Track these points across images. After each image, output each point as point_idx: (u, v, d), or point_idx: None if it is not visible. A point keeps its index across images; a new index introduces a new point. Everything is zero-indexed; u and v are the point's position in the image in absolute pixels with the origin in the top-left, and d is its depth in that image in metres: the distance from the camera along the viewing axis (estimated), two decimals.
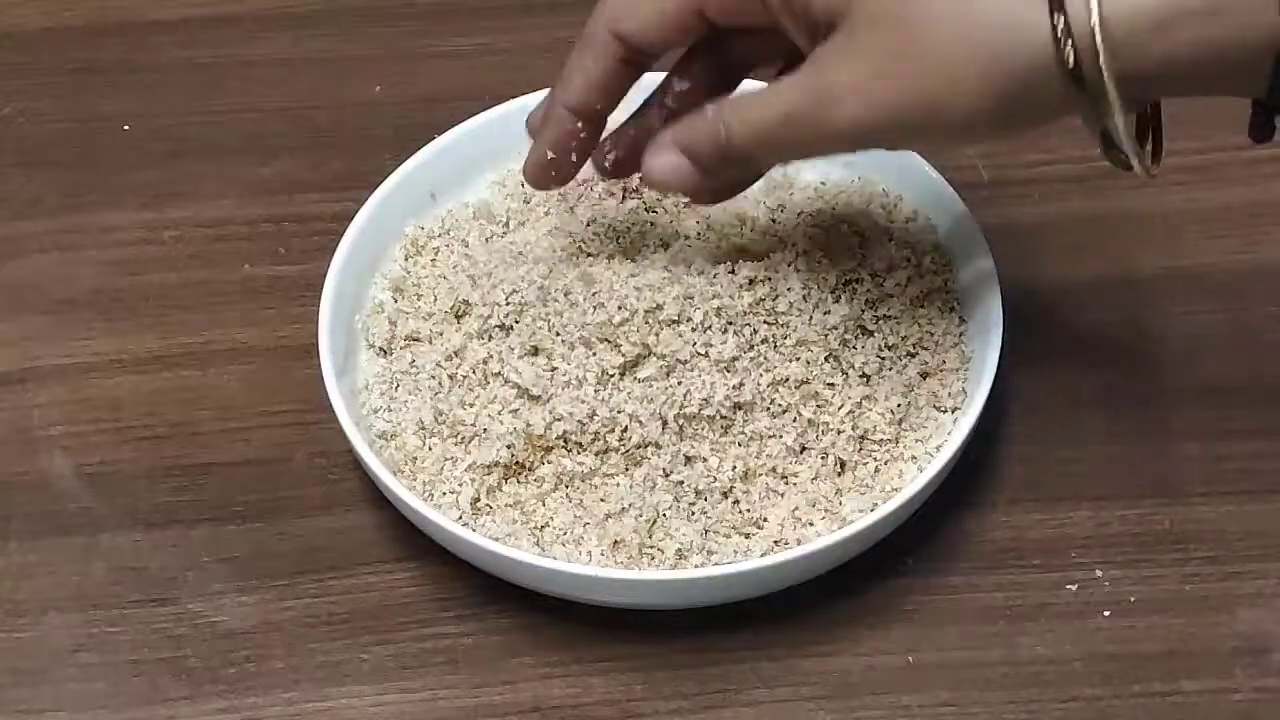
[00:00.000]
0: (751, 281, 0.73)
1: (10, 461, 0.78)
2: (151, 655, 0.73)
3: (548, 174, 0.73)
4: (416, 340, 0.76)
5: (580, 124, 0.72)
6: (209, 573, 0.75)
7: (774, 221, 0.78)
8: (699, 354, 0.72)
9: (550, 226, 0.79)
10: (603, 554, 0.71)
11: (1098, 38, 0.60)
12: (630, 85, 0.72)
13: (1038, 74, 0.62)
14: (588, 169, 0.74)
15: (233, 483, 0.77)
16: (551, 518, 0.72)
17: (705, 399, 0.72)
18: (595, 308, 0.73)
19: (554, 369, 0.73)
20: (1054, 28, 0.60)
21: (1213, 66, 0.61)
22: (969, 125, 0.64)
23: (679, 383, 0.72)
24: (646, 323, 0.72)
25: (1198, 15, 0.60)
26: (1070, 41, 0.60)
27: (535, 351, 0.73)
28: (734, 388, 0.72)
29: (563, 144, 0.73)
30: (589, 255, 0.76)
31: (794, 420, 0.72)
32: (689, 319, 0.72)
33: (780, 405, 0.73)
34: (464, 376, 0.74)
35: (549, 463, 0.72)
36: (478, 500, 0.72)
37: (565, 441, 0.72)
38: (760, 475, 0.72)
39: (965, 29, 0.62)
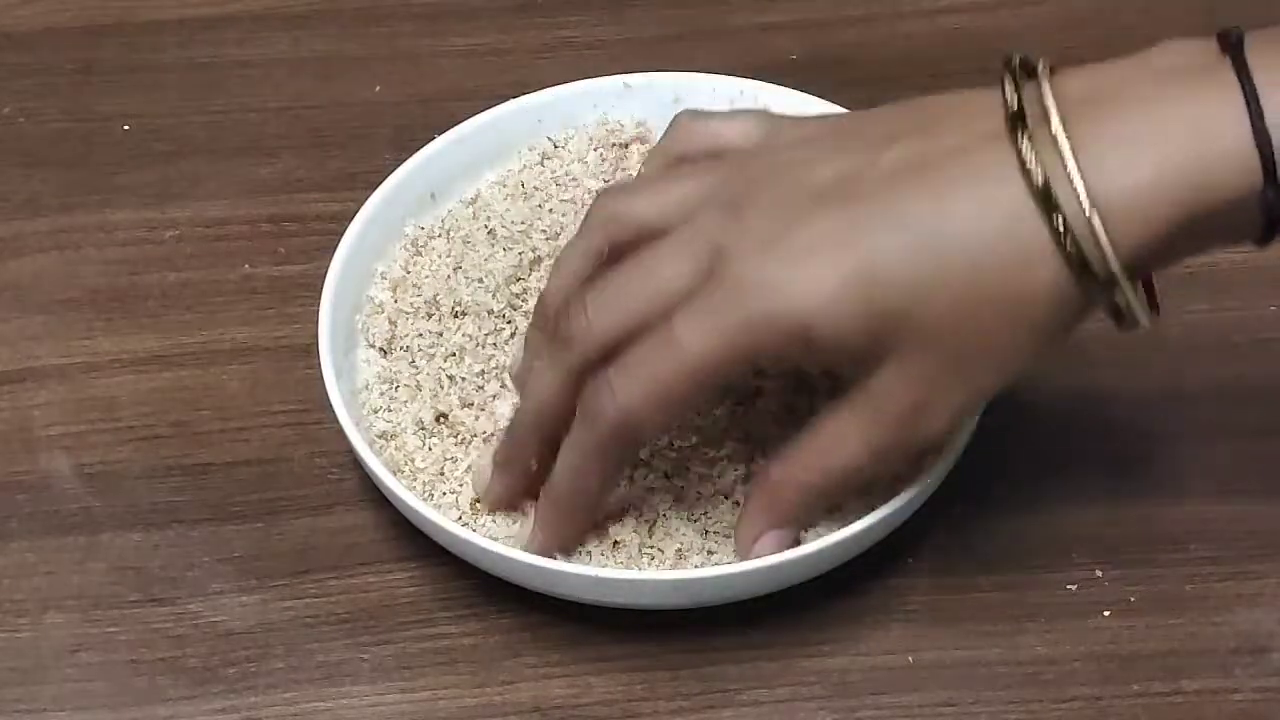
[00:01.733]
0: None
1: (10, 461, 0.78)
2: (151, 655, 0.73)
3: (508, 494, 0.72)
4: (417, 340, 0.76)
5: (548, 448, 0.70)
6: (209, 573, 0.75)
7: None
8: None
9: (551, 227, 0.79)
10: (603, 554, 0.71)
11: (1121, 280, 0.64)
12: None
13: (1074, 316, 0.65)
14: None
15: (233, 483, 0.77)
16: None
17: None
18: None
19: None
20: (1083, 288, 0.64)
21: (1209, 249, 0.67)
22: (1023, 371, 0.67)
23: None
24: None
25: (1191, 228, 0.63)
26: (1100, 287, 0.64)
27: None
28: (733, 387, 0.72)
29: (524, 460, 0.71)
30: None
31: (794, 420, 0.72)
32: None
33: (780, 405, 0.72)
34: (464, 377, 0.74)
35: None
36: (478, 501, 0.72)
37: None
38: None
39: (1015, 316, 0.64)
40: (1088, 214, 0.62)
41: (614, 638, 0.72)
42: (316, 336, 0.75)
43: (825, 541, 0.69)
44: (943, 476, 0.72)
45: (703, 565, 0.71)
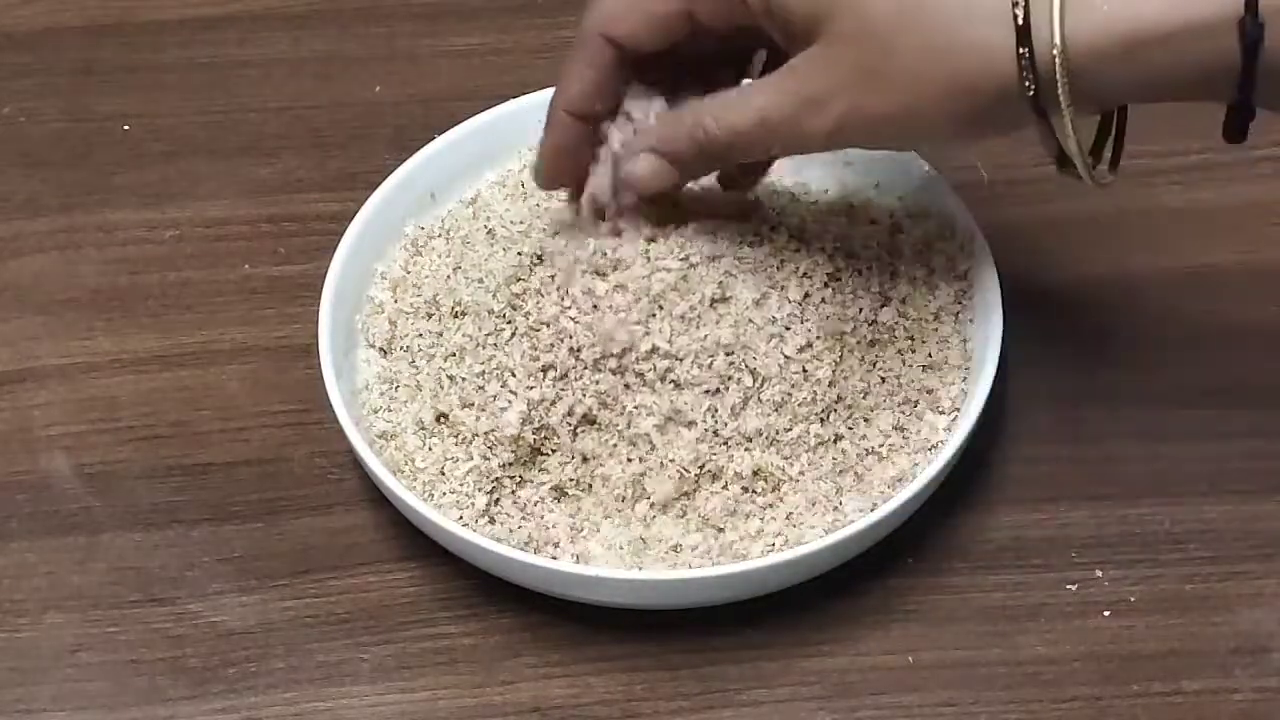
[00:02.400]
0: (749, 281, 0.73)
1: (10, 461, 0.78)
2: (151, 655, 0.73)
3: (554, 176, 0.75)
4: (417, 340, 0.76)
5: (581, 125, 0.73)
6: (209, 573, 0.75)
7: (774, 222, 0.78)
8: (699, 353, 0.72)
9: (551, 227, 0.79)
10: (603, 554, 0.71)
11: (1058, 70, 0.63)
12: (624, 84, 0.73)
13: (1001, 97, 0.64)
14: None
15: (233, 483, 0.77)
16: (554, 518, 0.72)
17: (705, 399, 0.72)
18: (597, 305, 0.73)
19: (555, 369, 0.73)
20: (1018, 57, 0.63)
21: (1175, 86, 0.64)
22: (934, 136, 0.68)
23: (679, 383, 0.72)
24: (649, 322, 0.72)
25: (1157, 42, 0.62)
26: (1033, 73, 0.63)
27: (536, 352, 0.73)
28: (734, 388, 0.72)
29: (565, 146, 0.74)
30: (592, 255, 0.76)
31: (793, 420, 0.72)
32: (690, 317, 0.72)
33: (780, 405, 0.73)
34: (464, 377, 0.74)
35: (549, 465, 0.72)
36: (488, 508, 0.72)
37: (567, 441, 0.72)
38: (761, 476, 0.72)
39: (937, 51, 0.65)
40: (1054, 53, 0.62)
41: (614, 638, 0.72)
42: (316, 336, 0.75)
43: (825, 541, 0.70)
44: (943, 477, 0.72)
45: (703, 565, 0.71)
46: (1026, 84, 0.63)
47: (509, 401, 0.73)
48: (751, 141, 0.69)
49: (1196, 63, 0.63)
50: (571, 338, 0.72)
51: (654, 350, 0.72)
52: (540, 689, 0.71)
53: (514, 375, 0.73)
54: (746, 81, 0.74)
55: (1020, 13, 0.63)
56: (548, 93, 0.81)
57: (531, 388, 0.72)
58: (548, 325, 0.73)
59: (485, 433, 0.73)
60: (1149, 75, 0.64)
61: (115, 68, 0.92)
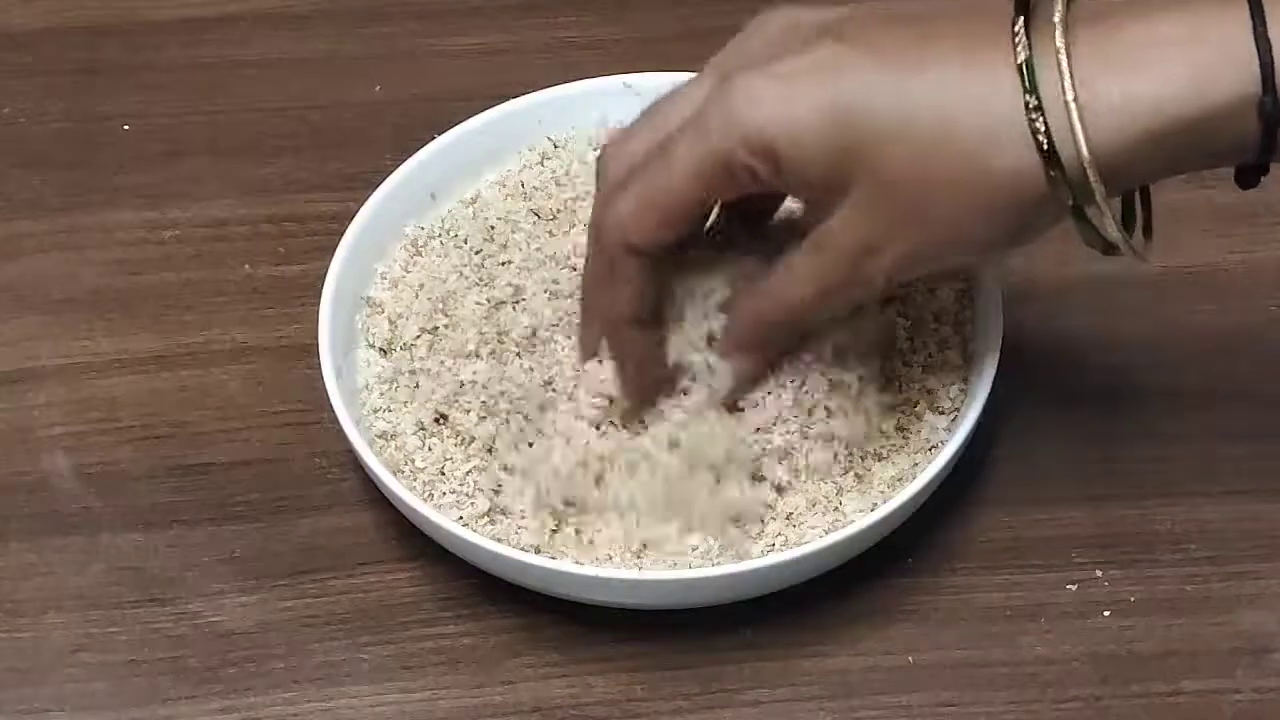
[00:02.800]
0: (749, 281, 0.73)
1: (10, 461, 0.78)
2: (151, 655, 0.73)
3: (648, 397, 0.72)
4: (417, 340, 0.76)
5: (651, 332, 0.71)
6: (209, 573, 0.75)
7: (773, 222, 0.78)
8: (699, 352, 0.72)
9: (553, 225, 0.79)
10: (603, 555, 0.71)
11: (1091, 177, 0.63)
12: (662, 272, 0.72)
13: (1040, 208, 0.65)
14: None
15: (233, 483, 0.77)
16: (557, 518, 0.72)
17: (707, 399, 0.72)
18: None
19: (557, 368, 0.73)
20: (1049, 178, 0.63)
21: (1199, 162, 0.65)
22: (988, 252, 0.69)
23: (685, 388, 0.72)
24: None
25: (1180, 130, 0.63)
26: (1066, 185, 0.63)
27: (537, 352, 0.73)
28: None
29: (646, 358, 0.72)
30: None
31: (793, 420, 0.72)
32: (688, 316, 0.72)
33: (779, 406, 0.73)
34: (465, 380, 0.74)
35: (549, 462, 0.72)
36: (492, 509, 0.72)
37: (566, 439, 0.72)
38: (760, 476, 0.72)
39: (967, 185, 0.64)
40: (1067, 98, 0.62)
41: (614, 638, 0.72)
42: (316, 336, 0.75)
43: (825, 541, 0.70)
44: (943, 477, 0.72)
45: (703, 565, 0.71)
46: (1064, 198, 0.64)
47: (510, 402, 0.73)
48: (816, 309, 0.69)
49: (1219, 142, 0.63)
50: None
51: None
52: (540, 689, 0.71)
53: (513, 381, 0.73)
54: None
55: (1043, 138, 0.63)
56: (548, 93, 0.82)
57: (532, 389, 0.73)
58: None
59: (486, 434, 0.73)
60: (1175, 159, 0.64)
61: (115, 68, 0.92)
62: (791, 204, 0.74)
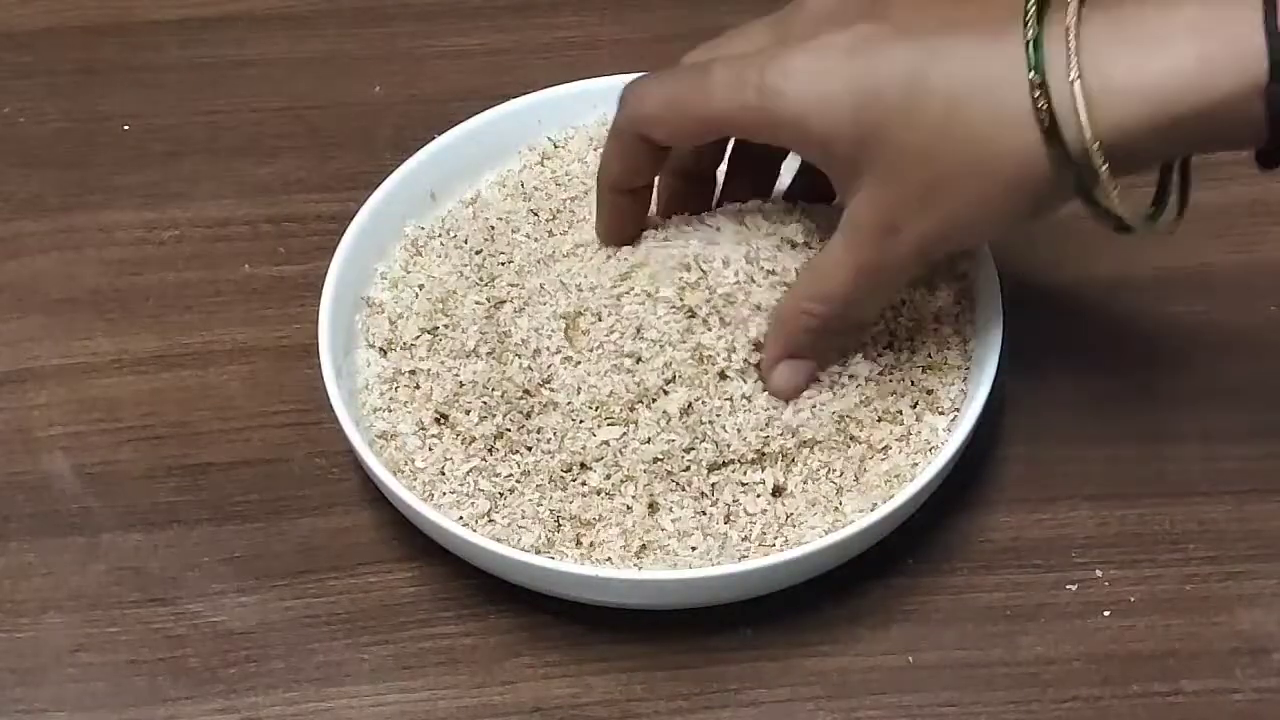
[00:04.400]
0: (750, 279, 0.73)
1: (10, 461, 0.78)
2: (151, 655, 0.73)
3: (610, 242, 0.76)
4: (417, 340, 0.76)
5: (629, 197, 0.74)
6: (209, 573, 0.75)
7: (774, 222, 0.78)
8: (699, 352, 0.72)
9: (553, 225, 0.79)
10: (602, 555, 0.71)
11: (1095, 159, 0.64)
12: (664, 161, 0.74)
13: (1051, 188, 0.66)
14: None
15: (233, 483, 0.77)
16: (557, 518, 0.72)
17: (707, 399, 0.72)
18: (600, 305, 0.73)
19: (557, 368, 0.73)
20: (1051, 158, 0.64)
21: (1205, 147, 0.66)
22: (1005, 229, 0.70)
23: (677, 379, 0.72)
24: (650, 322, 0.72)
25: (1187, 118, 0.63)
26: (1069, 165, 0.64)
27: (537, 352, 0.73)
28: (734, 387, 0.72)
29: (617, 220, 0.75)
30: (593, 255, 0.76)
31: (793, 418, 0.72)
32: (689, 316, 0.72)
33: (780, 406, 0.73)
34: (466, 381, 0.74)
35: (550, 461, 0.72)
36: (492, 509, 0.72)
37: (567, 439, 0.72)
38: (761, 476, 0.72)
39: (977, 164, 0.66)
40: (1070, 77, 0.63)
41: (614, 638, 0.72)
42: (316, 336, 0.75)
43: (825, 541, 0.70)
44: (943, 477, 0.72)
45: (703, 565, 0.71)
46: (1068, 179, 0.65)
47: (511, 402, 0.73)
48: (857, 296, 0.70)
49: (1226, 129, 0.64)
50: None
51: (658, 355, 0.72)
52: (540, 689, 0.71)
53: (512, 381, 0.73)
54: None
55: (1045, 117, 0.64)
56: (548, 93, 0.82)
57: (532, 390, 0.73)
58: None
59: (486, 434, 0.73)
60: (1182, 143, 0.65)
61: (115, 68, 0.92)
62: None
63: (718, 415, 0.72)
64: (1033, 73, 0.64)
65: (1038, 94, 0.63)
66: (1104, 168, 0.64)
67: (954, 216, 0.67)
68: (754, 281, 0.73)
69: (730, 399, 0.72)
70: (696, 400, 0.72)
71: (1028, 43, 0.64)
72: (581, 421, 0.72)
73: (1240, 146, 0.65)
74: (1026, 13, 0.64)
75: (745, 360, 0.72)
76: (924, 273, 0.74)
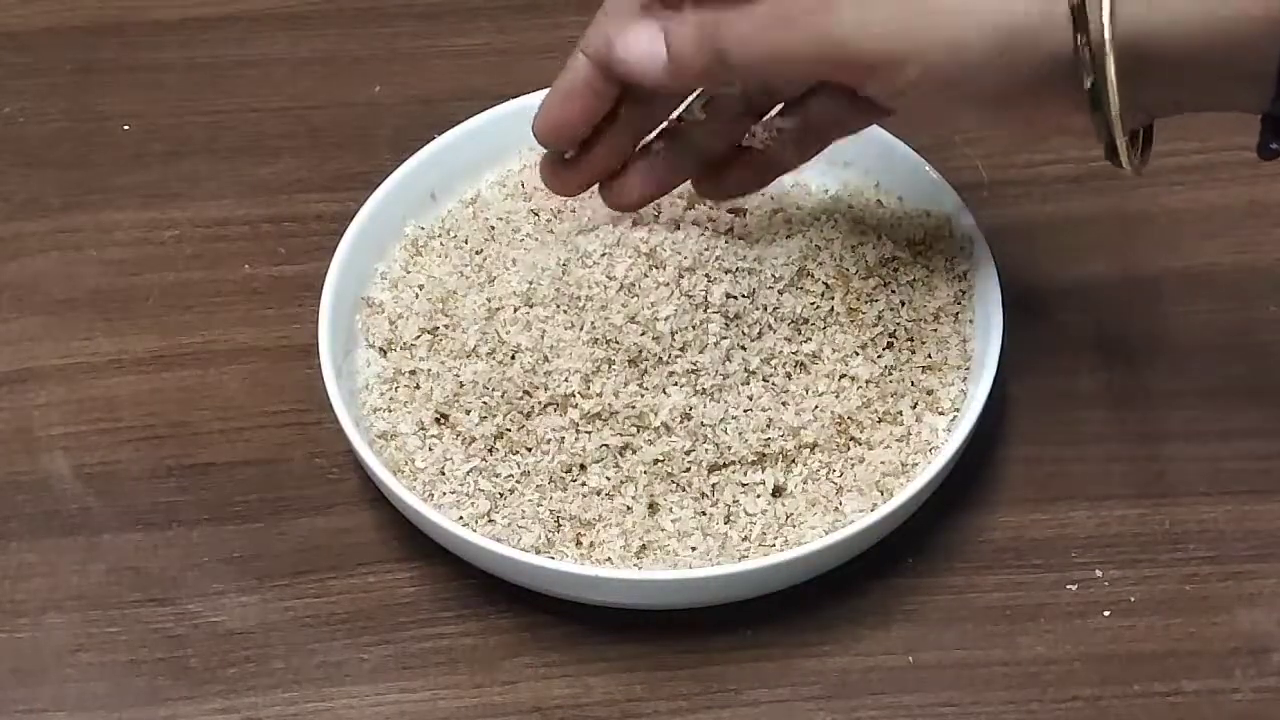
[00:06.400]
0: (751, 281, 0.73)
1: (10, 461, 0.78)
2: (151, 655, 0.73)
3: (556, 125, 0.73)
4: (416, 340, 0.76)
5: (598, 73, 0.72)
6: (209, 573, 0.75)
7: (774, 222, 0.78)
8: (699, 353, 0.72)
9: (553, 225, 0.79)
10: (601, 555, 0.71)
11: (1109, 61, 0.63)
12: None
13: (1049, 66, 0.64)
14: None
15: (233, 483, 0.77)
16: (557, 518, 0.72)
17: (710, 401, 0.72)
18: (602, 306, 0.73)
19: (557, 369, 0.73)
20: (1075, 44, 0.63)
21: (1210, 92, 0.64)
22: (979, 93, 0.66)
23: (677, 381, 0.72)
24: (651, 322, 0.72)
25: (1205, 46, 0.63)
26: (1090, 56, 0.63)
27: (537, 353, 0.73)
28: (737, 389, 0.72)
29: (576, 89, 0.72)
30: (594, 256, 0.76)
31: (794, 419, 0.72)
32: (690, 316, 0.72)
33: (781, 408, 0.73)
34: (466, 381, 0.74)
35: (550, 461, 0.72)
36: (492, 509, 0.72)
37: (567, 440, 0.72)
38: (761, 476, 0.72)
39: (986, 7, 0.64)
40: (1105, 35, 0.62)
41: (614, 638, 0.72)
42: (316, 336, 0.75)
43: (825, 541, 0.70)
44: (943, 477, 0.72)
45: (703, 565, 0.71)
46: (1085, 69, 0.63)
47: (511, 402, 0.73)
48: (761, 51, 0.67)
49: (1238, 66, 0.63)
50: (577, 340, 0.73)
51: (660, 354, 0.72)
52: (540, 689, 0.71)
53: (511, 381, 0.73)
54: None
55: None
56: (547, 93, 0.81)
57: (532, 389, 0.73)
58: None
59: (486, 435, 0.73)
60: (1191, 76, 0.64)
61: (115, 68, 0.92)
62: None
63: (719, 418, 0.72)
64: None
65: None
66: (1113, 65, 0.63)
67: (913, 36, 0.65)
68: (762, 285, 0.73)
69: (731, 402, 0.72)
70: (697, 403, 0.72)
71: None
72: (581, 424, 0.72)
73: (1248, 103, 0.64)
74: None
75: (747, 363, 0.72)
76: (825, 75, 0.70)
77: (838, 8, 0.65)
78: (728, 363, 0.72)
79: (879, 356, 0.74)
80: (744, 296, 0.73)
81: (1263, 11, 0.62)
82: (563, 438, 0.72)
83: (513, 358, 0.73)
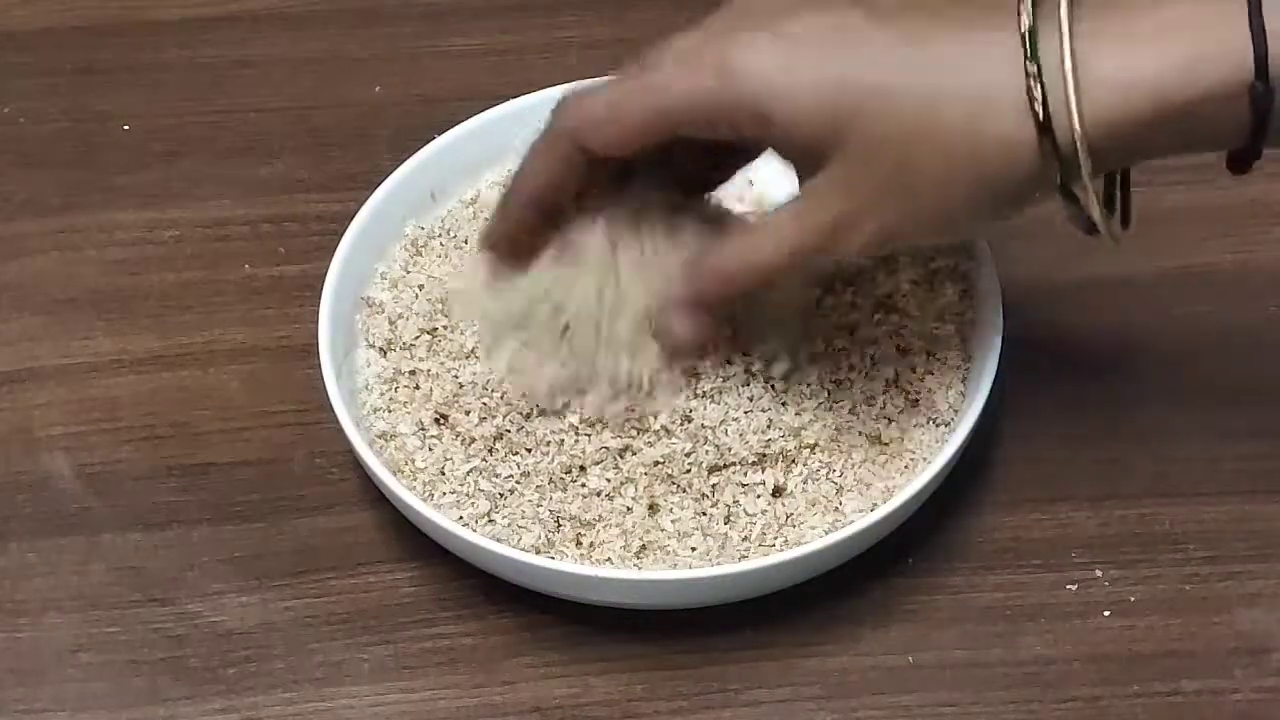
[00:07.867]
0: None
1: (10, 461, 0.78)
2: (151, 655, 0.73)
3: (501, 255, 0.73)
4: (416, 340, 0.76)
5: (538, 216, 0.72)
6: (209, 573, 0.75)
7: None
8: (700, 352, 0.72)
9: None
10: (600, 555, 0.71)
11: (1081, 154, 0.63)
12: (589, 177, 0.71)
13: (1029, 183, 0.65)
14: None
15: (233, 483, 0.77)
16: (557, 519, 0.72)
17: (711, 404, 0.72)
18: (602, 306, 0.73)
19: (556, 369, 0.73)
20: (1042, 151, 0.63)
21: (1188, 147, 0.65)
22: (968, 228, 0.71)
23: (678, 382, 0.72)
24: (650, 323, 0.72)
25: (1174, 115, 0.63)
26: (1057, 160, 0.64)
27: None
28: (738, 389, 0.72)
29: (518, 236, 0.72)
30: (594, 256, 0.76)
31: (794, 420, 0.72)
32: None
33: (782, 406, 0.73)
34: (466, 382, 0.74)
35: (550, 463, 0.72)
36: (492, 510, 0.72)
37: (566, 441, 0.72)
38: (761, 477, 0.72)
39: (959, 156, 0.65)
40: (1066, 68, 0.62)
41: (614, 638, 0.72)
42: (316, 336, 0.75)
43: (825, 541, 0.70)
44: (943, 477, 0.72)
45: (703, 565, 0.71)
46: (1053, 172, 0.64)
47: (511, 402, 0.73)
48: (785, 273, 0.69)
49: (1210, 126, 0.64)
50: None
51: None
52: (540, 689, 0.71)
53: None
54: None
55: (1040, 108, 0.63)
56: (548, 93, 0.81)
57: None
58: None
59: (486, 435, 0.73)
60: (1166, 141, 0.64)
61: (115, 68, 0.92)
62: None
63: (719, 420, 0.72)
64: (1029, 62, 0.63)
65: (1034, 83, 0.63)
66: (1087, 162, 0.63)
67: (920, 210, 0.66)
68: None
69: (731, 404, 0.72)
70: (697, 405, 0.72)
71: (1025, 32, 0.63)
72: (581, 427, 0.72)
73: (1224, 147, 0.65)
74: (1021, 3, 0.63)
75: (747, 366, 0.72)
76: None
77: None
78: (728, 364, 0.72)
79: (878, 357, 0.74)
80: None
81: (1232, 79, 0.62)
82: (562, 440, 0.72)
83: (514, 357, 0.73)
